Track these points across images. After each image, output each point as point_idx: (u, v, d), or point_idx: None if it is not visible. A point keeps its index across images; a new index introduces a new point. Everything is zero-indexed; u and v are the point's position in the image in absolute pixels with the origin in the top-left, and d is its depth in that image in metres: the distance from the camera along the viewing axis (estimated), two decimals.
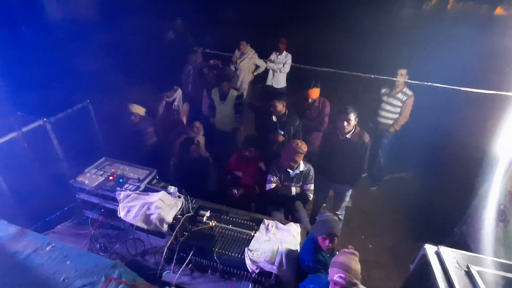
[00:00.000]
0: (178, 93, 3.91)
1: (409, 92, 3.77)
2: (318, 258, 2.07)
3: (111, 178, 2.69)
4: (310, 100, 3.47)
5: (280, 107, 3.21)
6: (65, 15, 4.72)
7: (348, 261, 1.69)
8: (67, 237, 2.54)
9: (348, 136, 2.89)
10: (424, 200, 3.85)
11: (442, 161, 4.05)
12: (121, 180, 2.66)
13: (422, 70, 3.39)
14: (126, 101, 3.69)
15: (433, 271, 2.07)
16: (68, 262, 1.56)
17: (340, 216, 3.33)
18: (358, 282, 1.65)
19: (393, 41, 5.23)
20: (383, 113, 3.96)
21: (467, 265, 2.04)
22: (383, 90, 3.93)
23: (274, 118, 3.31)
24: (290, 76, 4.97)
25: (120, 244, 2.41)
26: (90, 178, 2.68)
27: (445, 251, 2.16)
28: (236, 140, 4.03)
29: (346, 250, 1.82)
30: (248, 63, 4.77)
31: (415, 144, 4.07)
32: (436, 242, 2.34)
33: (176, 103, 3.89)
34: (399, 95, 3.80)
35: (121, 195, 2.44)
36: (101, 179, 2.67)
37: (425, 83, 2.36)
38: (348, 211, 3.53)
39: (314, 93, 3.46)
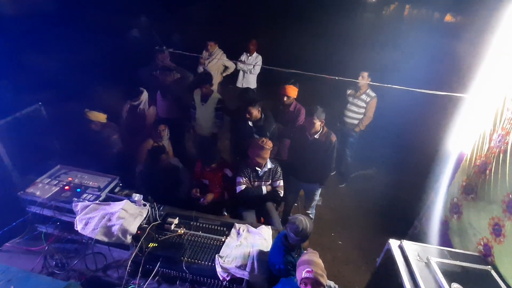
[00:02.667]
0: (144, 96, 3.70)
1: (372, 94, 3.97)
2: (288, 260, 2.07)
3: (67, 187, 2.48)
4: (285, 99, 3.42)
5: (256, 113, 3.18)
6: (14, 8, 4.28)
7: (310, 257, 1.77)
8: (18, 255, 2.30)
9: (316, 136, 2.95)
10: (388, 195, 4.07)
11: (403, 158, 4.30)
12: (78, 190, 2.46)
13: (382, 72, 3.59)
14: (84, 103, 3.42)
15: (397, 264, 2.17)
16: (12, 287, 1.39)
17: (311, 215, 3.39)
18: (324, 274, 1.71)
19: (355, 44, 5.48)
20: (349, 114, 4.13)
21: (427, 257, 2.17)
22: (349, 92, 4.09)
23: (250, 123, 3.26)
24: (263, 77, 4.97)
25: (78, 259, 2.22)
26: (43, 188, 2.44)
27: (407, 244, 2.28)
28: (214, 146, 3.92)
29: (305, 251, 1.92)
30: (216, 64, 4.69)
31: (378, 142, 4.29)
32: (400, 235, 2.47)
33: (141, 106, 3.68)
34: (363, 97, 3.98)
35: (78, 206, 2.25)
36: (55, 189, 2.45)
37: (385, 85, 2.48)
38: (318, 209, 3.61)
39: (291, 90, 3.41)
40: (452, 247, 2.53)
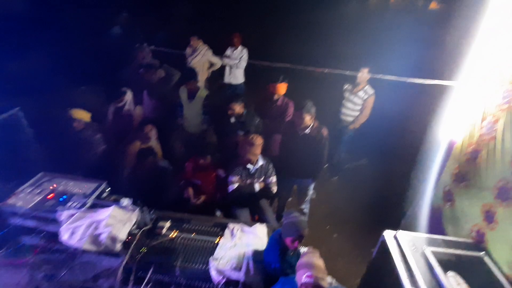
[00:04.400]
0: (128, 97, 3.57)
1: (370, 91, 3.81)
2: (285, 259, 2.03)
3: (50, 196, 2.37)
4: (275, 97, 3.37)
5: (238, 108, 3.13)
6: None
7: (310, 260, 1.72)
8: (2, 269, 2.18)
9: (307, 131, 2.90)
10: (381, 186, 4.08)
11: (393, 148, 4.32)
12: (63, 197, 2.35)
13: (372, 62, 3.54)
14: (66, 106, 3.27)
15: (392, 255, 2.17)
16: None
17: (305, 210, 3.37)
18: (325, 276, 1.67)
19: (343, 35, 5.41)
20: (344, 110, 3.98)
21: (422, 247, 2.17)
22: (346, 86, 3.92)
23: (232, 119, 3.21)
24: (251, 71, 4.86)
25: (66, 270, 2.13)
26: (25, 198, 2.33)
27: (402, 235, 2.28)
28: (205, 143, 3.84)
29: (306, 250, 1.87)
30: (201, 60, 4.56)
31: (371, 132, 4.26)
32: (394, 225, 2.47)
33: (126, 107, 3.55)
34: (360, 93, 3.83)
35: (63, 215, 2.16)
36: (38, 198, 2.34)
37: (376, 75, 2.44)
38: (312, 203, 3.58)
39: (282, 88, 3.36)
40: (445, 235, 2.55)
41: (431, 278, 1.94)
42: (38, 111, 3.30)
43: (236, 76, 4.80)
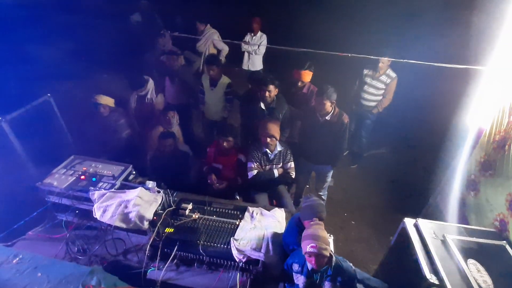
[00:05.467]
0: (150, 85, 3.64)
1: (393, 74, 3.71)
2: None
3: (82, 177, 2.52)
4: (299, 84, 3.32)
5: (274, 92, 3.09)
6: (13, 1, 4.20)
7: (315, 231, 1.79)
8: (40, 242, 2.39)
9: (327, 118, 2.87)
10: (402, 174, 4.01)
11: (417, 135, 4.19)
12: (94, 179, 2.50)
13: (398, 47, 3.39)
14: (92, 92, 3.41)
15: (412, 242, 2.18)
16: (39, 274, 1.45)
17: (323, 196, 3.39)
18: (328, 247, 1.75)
19: (370, 18, 5.16)
20: (366, 96, 3.89)
21: (443, 235, 2.16)
22: (366, 72, 3.83)
23: (262, 105, 3.18)
24: (270, 58, 4.80)
25: (99, 245, 2.30)
26: (59, 179, 2.49)
27: (423, 223, 2.27)
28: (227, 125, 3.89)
29: (312, 222, 1.93)
30: (205, 43, 4.52)
31: (392, 120, 4.15)
32: (413, 214, 2.46)
33: (149, 96, 3.64)
34: (383, 78, 3.73)
35: (95, 194, 2.30)
36: (71, 179, 2.50)
37: (401, 60, 2.36)
38: (330, 190, 3.59)
39: (306, 75, 3.30)
40: (468, 224, 2.51)
41: (452, 266, 1.94)
42: (67, 97, 3.46)
43: (254, 62, 4.78)
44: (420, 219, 2.28)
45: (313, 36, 4.19)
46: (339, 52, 2.32)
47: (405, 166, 4.07)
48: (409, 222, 2.32)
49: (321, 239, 1.72)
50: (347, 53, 2.35)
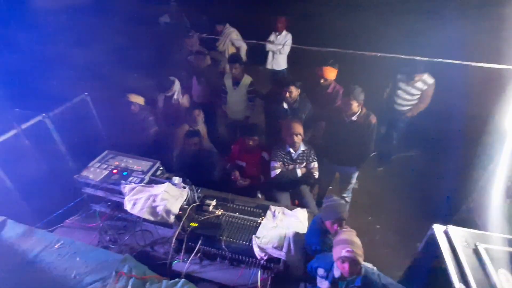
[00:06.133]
0: (177, 86, 3.78)
1: (430, 80, 3.48)
2: (325, 241, 2.08)
3: (115, 171, 2.68)
4: (322, 81, 3.26)
5: (296, 92, 3.09)
6: (53, 5, 4.54)
7: (349, 237, 1.75)
8: (77, 230, 2.57)
9: (354, 118, 2.81)
10: (431, 179, 3.81)
11: (449, 138, 3.95)
12: (125, 173, 2.65)
13: (432, 46, 3.21)
14: (124, 91, 3.61)
15: (441, 250, 2.08)
16: (78, 259, 1.57)
17: (346, 198, 3.32)
18: (362, 254, 1.70)
19: (400, 15, 4.92)
20: (400, 101, 3.69)
21: (475, 243, 2.04)
22: (399, 77, 3.61)
23: (285, 105, 3.19)
24: (294, 57, 4.76)
25: (129, 235, 2.44)
26: (94, 172, 2.67)
27: (453, 230, 2.15)
28: (247, 125, 3.93)
29: (344, 229, 1.88)
30: (225, 42, 4.56)
31: (422, 121, 3.95)
32: (442, 220, 2.34)
33: (175, 96, 3.77)
34: (419, 84, 3.51)
35: (126, 188, 2.44)
36: (105, 172, 2.66)
37: (436, 59, 2.24)
38: (354, 193, 3.51)
39: (329, 72, 3.21)
40: (503, 233, 2.34)
41: (482, 275, 1.83)
42: (101, 96, 3.69)
43: (278, 62, 4.77)
44: (450, 226, 2.17)
45: (340, 35, 4.09)
46: (368, 52, 2.26)
47: (436, 170, 3.87)
48: (438, 228, 2.21)
49: (356, 245, 1.68)
50: (376, 52, 2.27)
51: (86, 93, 3.38)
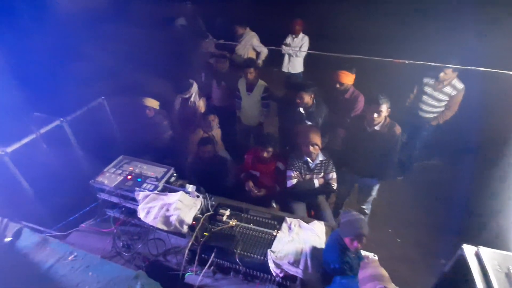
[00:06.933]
0: (194, 89, 3.75)
1: (459, 86, 3.28)
2: (345, 260, 1.96)
3: (129, 177, 2.66)
4: (338, 86, 3.14)
5: (308, 99, 2.99)
6: (71, 10, 4.62)
7: (376, 271, 1.68)
8: (91, 235, 2.57)
9: (376, 128, 2.66)
10: (456, 190, 3.59)
11: (478, 147, 3.72)
12: (139, 179, 2.63)
13: (461, 53, 3.00)
14: (140, 95, 3.61)
15: (471, 273, 1.93)
16: (90, 273, 1.54)
17: (366, 210, 3.18)
18: (392, 286, 1.63)
19: (430, 20, 4.67)
20: (425, 107, 3.50)
21: (508, 267, 1.88)
22: (426, 81, 3.42)
23: (300, 110, 3.09)
24: (311, 60, 4.64)
25: (141, 244, 2.41)
26: (109, 177, 2.66)
27: (485, 252, 1.99)
28: (261, 135, 3.86)
29: (366, 260, 1.75)
30: (244, 46, 4.48)
31: (447, 127, 3.73)
32: (467, 236, 2.18)
33: (192, 99, 3.74)
34: (447, 89, 3.31)
35: (140, 195, 2.41)
36: (119, 178, 2.65)
37: (468, 67, 2.08)
38: (373, 203, 3.35)
39: (345, 76, 3.08)
40: None
41: None
42: (117, 100, 3.71)
43: (295, 65, 4.67)
44: (481, 247, 2.01)
45: (361, 40, 3.92)
46: (395, 59, 2.11)
47: (462, 181, 3.64)
48: (468, 250, 2.06)
49: (386, 279, 1.60)
50: (404, 60, 2.12)
51: (103, 97, 3.39)
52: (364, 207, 3.16)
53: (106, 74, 4.04)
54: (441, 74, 3.19)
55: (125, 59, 4.32)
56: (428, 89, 3.43)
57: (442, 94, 3.37)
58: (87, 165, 3.11)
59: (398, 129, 2.62)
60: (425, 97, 3.46)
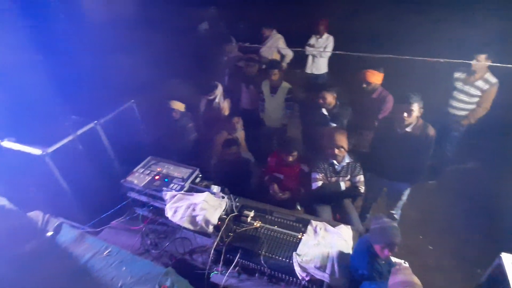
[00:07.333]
0: (219, 90, 3.82)
1: (493, 80, 3.08)
2: (374, 267, 1.89)
3: (157, 177, 2.75)
4: (364, 85, 3.04)
5: (330, 99, 2.93)
6: (101, 16, 4.87)
7: (408, 278, 1.56)
8: (121, 232, 2.69)
9: (408, 129, 2.54)
10: (494, 195, 3.35)
11: None
12: (166, 180, 2.71)
13: (499, 48, 2.79)
14: (166, 98, 3.73)
15: (509, 284, 1.80)
16: (123, 268, 1.61)
17: (395, 215, 3.04)
18: None
19: (465, 12, 4.39)
20: (456, 103, 3.32)
21: None
22: (457, 75, 3.25)
23: (324, 111, 3.04)
24: (335, 60, 4.55)
25: (169, 242, 2.48)
26: (139, 177, 2.77)
27: None
28: (289, 139, 3.84)
29: (397, 267, 1.67)
30: (270, 49, 4.47)
31: (484, 128, 3.47)
32: (507, 245, 2.03)
33: (217, 100, 3.81)
34: (479, 83, 3.11)
35: (167, 195, 2.49)
36: (148, 178, 2.75)
37: (499, 64, 1.92)
38: (403, 208, 3.20)
39: (372, 76, 2.99)
40: None
41: None
42: (145, 103, 3.86)
43: (319, 66, 4.59)
44: None
45: (388, 38, 3.78)
46: (428, 58, 2.01)
47: (500, 186, 3.39)
48: (507, 258, 1.92)
49: (418, 287, 1.52)
50: (438, 58, 2.01)
51: (133, 100, 3.55)
52: (393, 212, 3.03)
53: (135, 79, 4.23)
54: (473, 63, 3.01)
55: (153, 64, 4.48)
56: (458, 84, 3.25)
57: (473, 88, 3.17)
58: (118, 165, 3.26)
59: (431, 131, 2.48)
60: (455, 92, 3.29)
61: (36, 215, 1.94)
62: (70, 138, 2.86)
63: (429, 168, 3.87)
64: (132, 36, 4.82)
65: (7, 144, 2.77)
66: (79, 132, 2.94)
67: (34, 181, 2.95)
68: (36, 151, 2.62)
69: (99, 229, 2.67)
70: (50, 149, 2.66)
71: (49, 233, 1.82)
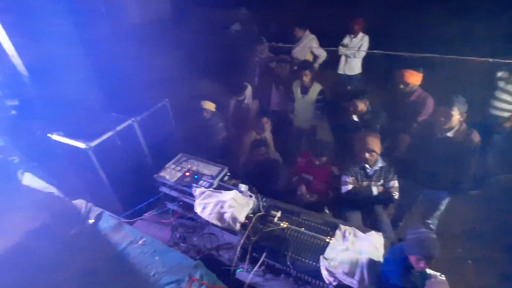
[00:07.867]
0: (248, 91, 3.87)
1: None
2: (408, 278, 1.80)
3: (187, 174, 2.85)
4: (402, 86, 2.91)
5: (362, 106, 2.86)
6: (140, 17, 5.11)
7: None
8: (153, 224, 2.81)
9: (449, 134, 2.38)
10: None
11: None
12: (196, 177, 2.79)
13: None
14: (197, 97, 3.85)
15: None
16: (156, 258, 1.69)
17: (431, 225, 2.86)
18: None
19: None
20: (498, 104, 3.13)
21: None
22: (500, 74, 3.07)
23: (354, 117, 2.96)
24: (370, 60, 4.39)
25: (197, 237, 2.56)
26: (170, 173, 2.89)
27: None
28: (314, 139, 3.79)
29: (433, 279, 1.55)
30: (302, 50, 4.41)
31: None
32: None
33: (246, 101, 3.86)
34: None
35: (196, 191, 2.57)
36: (179, 174, 2.86)
37: None
38: (439, 217, 3.00)
39: (411, 76, 2.85)
40: None
41: None
42: (177, 102, 4.01)
43: (352, 66, 4.46)
44: None
45: (427, 37, 3.56)
46: (476, 57, 1.86)
47: None
48: None
49: None
50: (487, 58, 1.85)
51: (167, 99, 3.70)
52: (429, 221, 2.84)
53: (169, 79, 4.41)
54: None
55: (186, 65, 4.65)
56: (501, 83, 3.05)
57: None
58: (151, 160, 3.42)
59: (476, 137, 2.30)
60: (497, 92, 3.09)
61: (80, 203, 2.11)
62: (110, 133, 3.05)
63: (473, 176, 3.60)
64: (167, 37, 5.04)
65: (56, 137, 3.03)
66: (118, 128, 3.13)
67: (78, 173, 3.19)
68: (81, 144, 2.84)
69: (132, 220, 2.82)
70: (93, 143, 2.86)
71: (91, 221, 1.97)
